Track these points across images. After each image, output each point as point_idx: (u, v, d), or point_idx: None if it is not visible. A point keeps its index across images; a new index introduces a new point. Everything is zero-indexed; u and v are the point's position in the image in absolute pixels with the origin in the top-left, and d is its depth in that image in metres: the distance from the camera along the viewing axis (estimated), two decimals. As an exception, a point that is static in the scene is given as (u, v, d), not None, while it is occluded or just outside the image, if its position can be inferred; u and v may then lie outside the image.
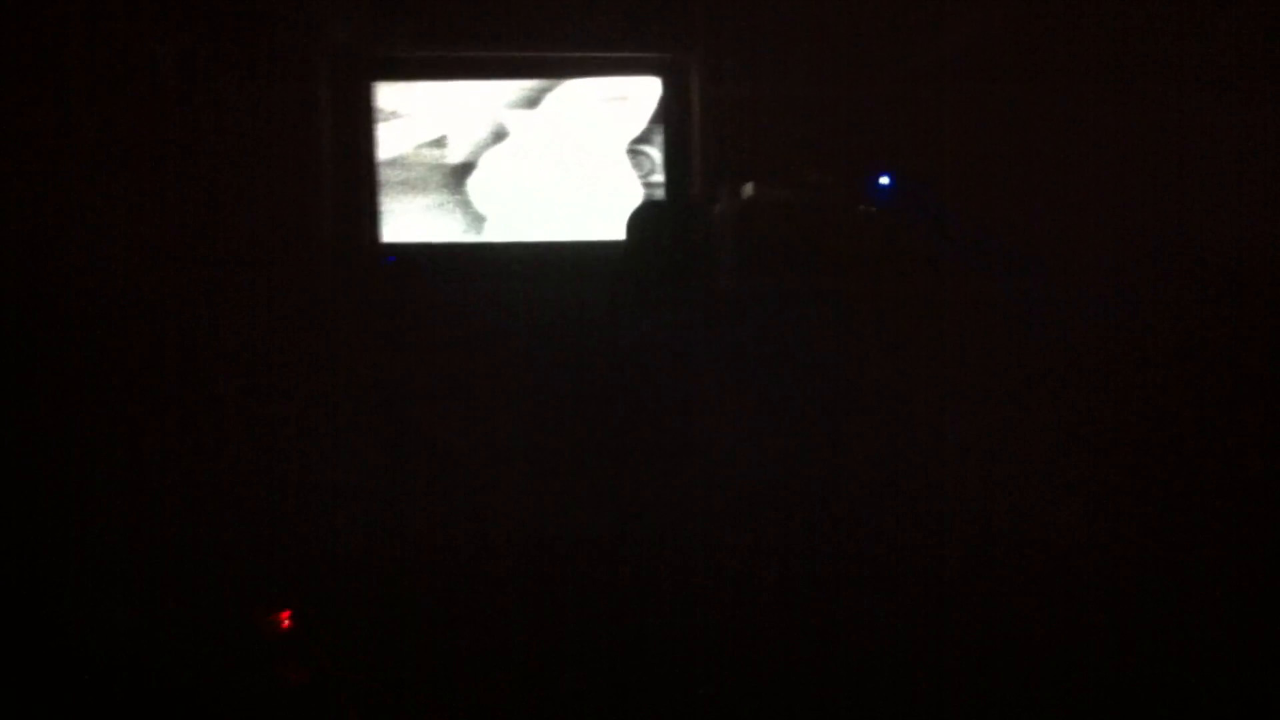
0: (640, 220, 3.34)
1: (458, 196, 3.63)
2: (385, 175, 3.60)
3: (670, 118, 3.65)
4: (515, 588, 3.12)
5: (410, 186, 3.61)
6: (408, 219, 3.62)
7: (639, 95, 3.64)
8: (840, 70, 3.45)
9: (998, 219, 3.28)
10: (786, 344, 3.17)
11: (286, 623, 3.08)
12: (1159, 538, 2.94)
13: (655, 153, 3.65)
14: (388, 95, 3.60)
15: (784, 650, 2.89)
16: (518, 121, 3.61)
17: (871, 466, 3.11)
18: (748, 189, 3.41)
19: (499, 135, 3.61)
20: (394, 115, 3.58)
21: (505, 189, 3.63)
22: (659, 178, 3.66)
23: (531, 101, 3.61)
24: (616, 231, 3.36)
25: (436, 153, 3.61)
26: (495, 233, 3.64)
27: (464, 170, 3.63)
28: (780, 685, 2.84)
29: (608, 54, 3.63)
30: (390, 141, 3.60)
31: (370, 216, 3.62)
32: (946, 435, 3.15)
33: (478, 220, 3.64)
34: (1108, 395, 3.09)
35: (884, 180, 3.42)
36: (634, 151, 3.66)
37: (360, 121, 3.59)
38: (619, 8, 3.59)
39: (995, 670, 2.79)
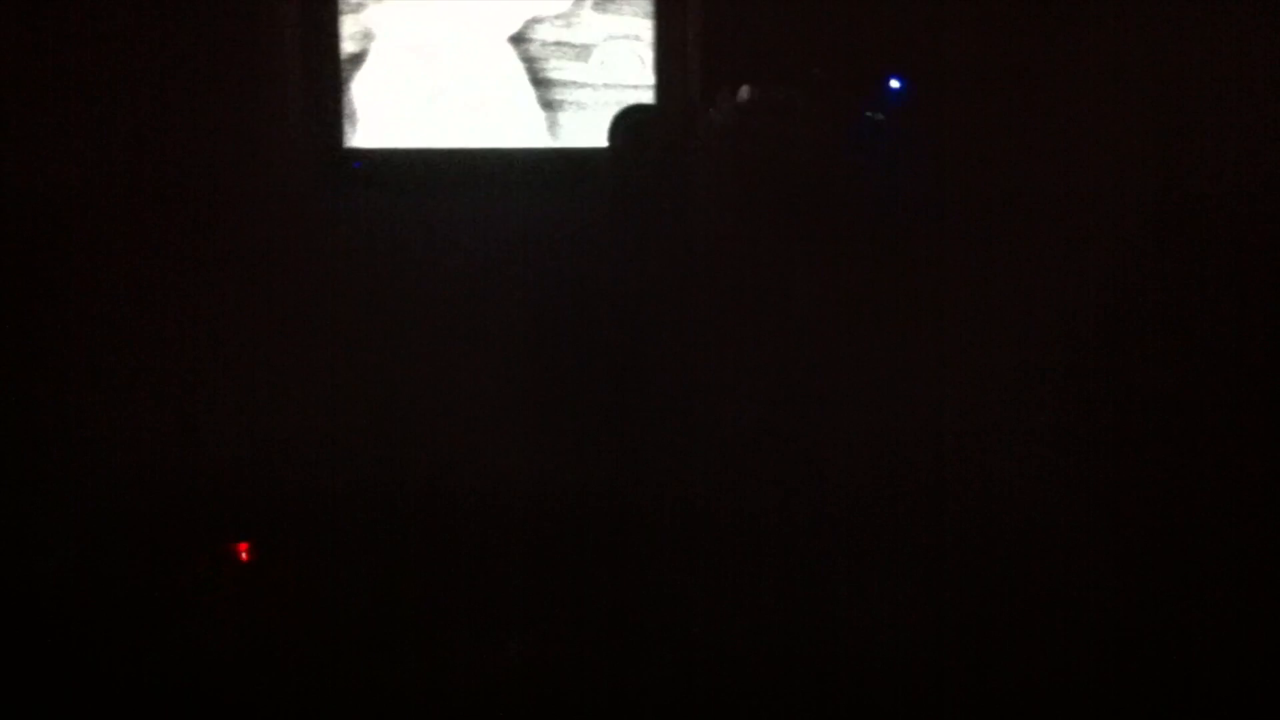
0: (626, 125, 3.09)
1: (431, 101, 3.38)
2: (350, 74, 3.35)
3: (662, 11, 3.36)
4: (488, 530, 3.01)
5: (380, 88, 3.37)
6: (376, 123, 3.38)
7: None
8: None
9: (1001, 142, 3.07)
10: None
11: (244, 555, 2.97)
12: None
13: (646, 51, 3.38)
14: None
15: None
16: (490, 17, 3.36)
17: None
18: (744, 92, 3.14)
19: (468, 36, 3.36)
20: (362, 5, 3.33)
21: (480, 89, 3.38)
22: (649, 78, 3.39)
23: None
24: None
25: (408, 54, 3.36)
26: (469, 139, 3.38)
27: (436, 70, 3.38)
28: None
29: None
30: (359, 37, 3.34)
31: (335, 119, 3.37)
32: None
33: (451, 126, 3.39)
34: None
35: (895, 83, 3.17)
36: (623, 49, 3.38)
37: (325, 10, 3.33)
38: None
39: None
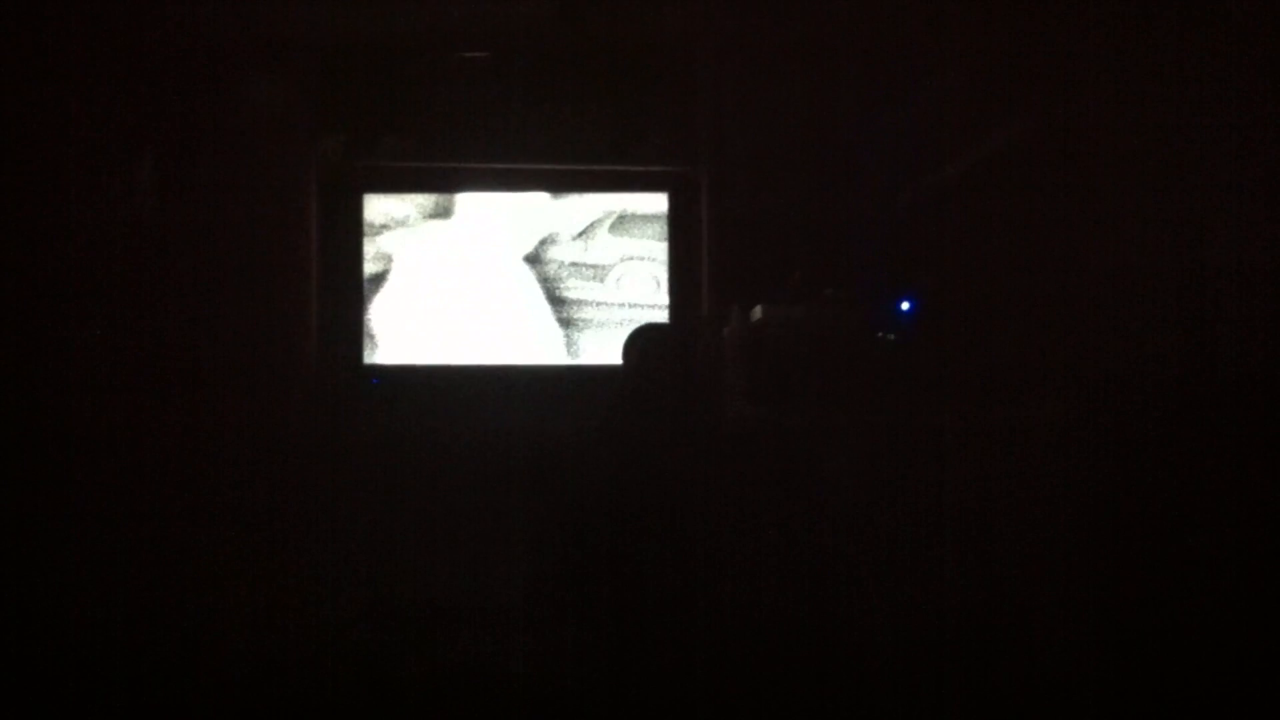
0: (640, 344, 3.13)
1: (448, 319, 3.46)
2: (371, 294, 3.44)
3: (676, 234, 3.46)
4: None
5: (399, 307, 3.44)
6: (394, 341, 3.45)
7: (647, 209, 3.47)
8: (853, 184, 3.28)
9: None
10: (797, 481, 2.99)
11: None
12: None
13: (660, 272, 3.47)
14: (377, 208, 3.44)
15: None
16: (506, 245, 3.46)
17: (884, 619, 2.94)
18: (757, 311, 3.20)
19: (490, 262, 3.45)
20: (384, 229, 3.43)
21: (493, 313, 3.46)
22: (663, 298, 3.46)
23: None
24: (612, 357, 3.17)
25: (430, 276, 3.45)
26: (485, 356, 3.45)
27: (454, 293, 3.47)
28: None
29: (613, 167, 3.47)
30: (380, 259, 3.44)
31: (356, 336, 3.45)
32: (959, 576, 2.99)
33: (468, 344, 3.46)
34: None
35: (905, 305, 3.22)
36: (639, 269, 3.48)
37: (349, 236, 3.45)
38: (623, 121, 3.45)
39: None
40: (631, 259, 3.48)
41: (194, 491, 3.20)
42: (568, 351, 3.45)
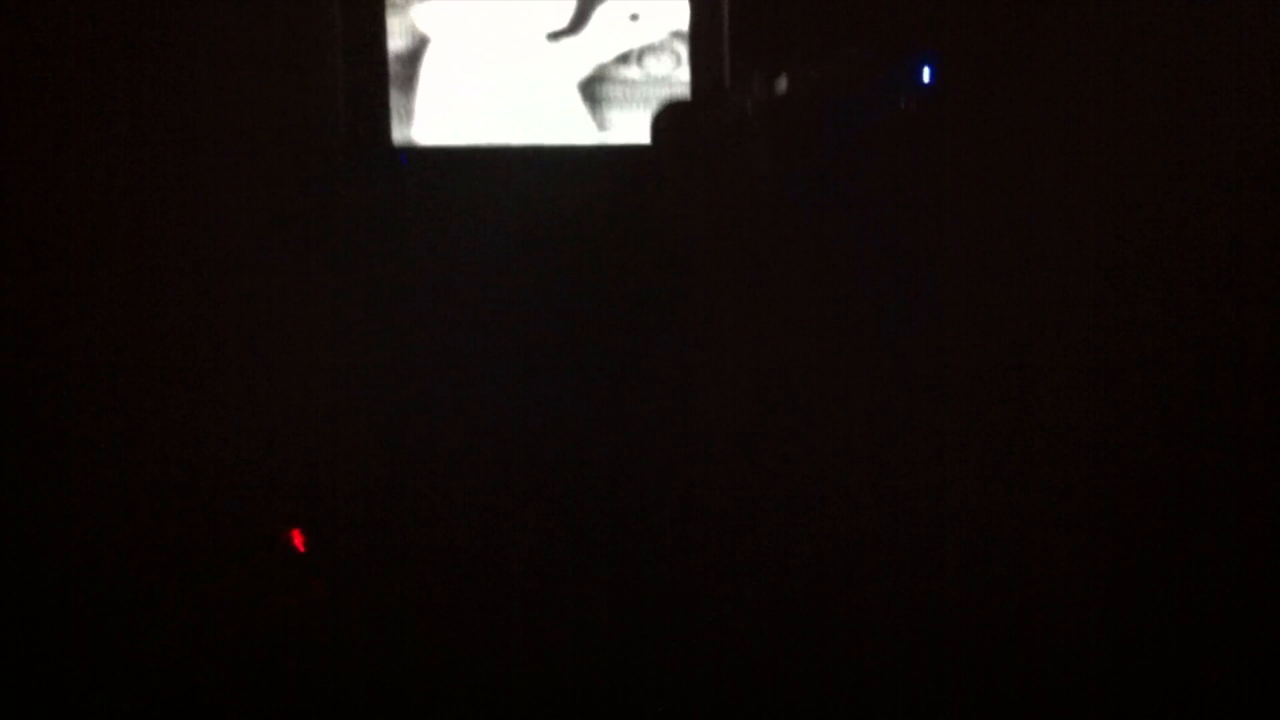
0: (664, 120, 3.17)
1: (477, 98, 3.45)
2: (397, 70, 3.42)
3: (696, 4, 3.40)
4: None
5: (428, 84, 3.45)
6: (423, 119, 3.45)
7: None
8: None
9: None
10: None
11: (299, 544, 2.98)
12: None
13: (682, 47, 3.45)
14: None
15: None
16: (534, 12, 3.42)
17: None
18: (782, 83, 3.20)
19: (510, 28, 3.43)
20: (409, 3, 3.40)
21: (522, 87, 3.45)
22: (684, 73, 3.45)
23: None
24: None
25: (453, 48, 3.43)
26: (514, 135, 3.45)
27: (483, 71, 3.44)
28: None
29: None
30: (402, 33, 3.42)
31: (382, 114, 3.44)
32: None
33: (497, 123, 3.45)
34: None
35: (926, 76, 3.20)
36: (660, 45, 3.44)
37: (373, 10, 3.39)
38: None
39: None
40: (652, 39, 3.46)
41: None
42: (598, 131, 3.46)
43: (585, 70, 3.44)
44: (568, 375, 3.16)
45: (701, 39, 3.43)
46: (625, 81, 3.45)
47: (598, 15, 3.43)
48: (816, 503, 3.00)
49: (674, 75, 3.44)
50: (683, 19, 3.42)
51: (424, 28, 3.44)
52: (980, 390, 3.04)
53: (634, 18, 3.42)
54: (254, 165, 3.27)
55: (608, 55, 3.45)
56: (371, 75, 3.42)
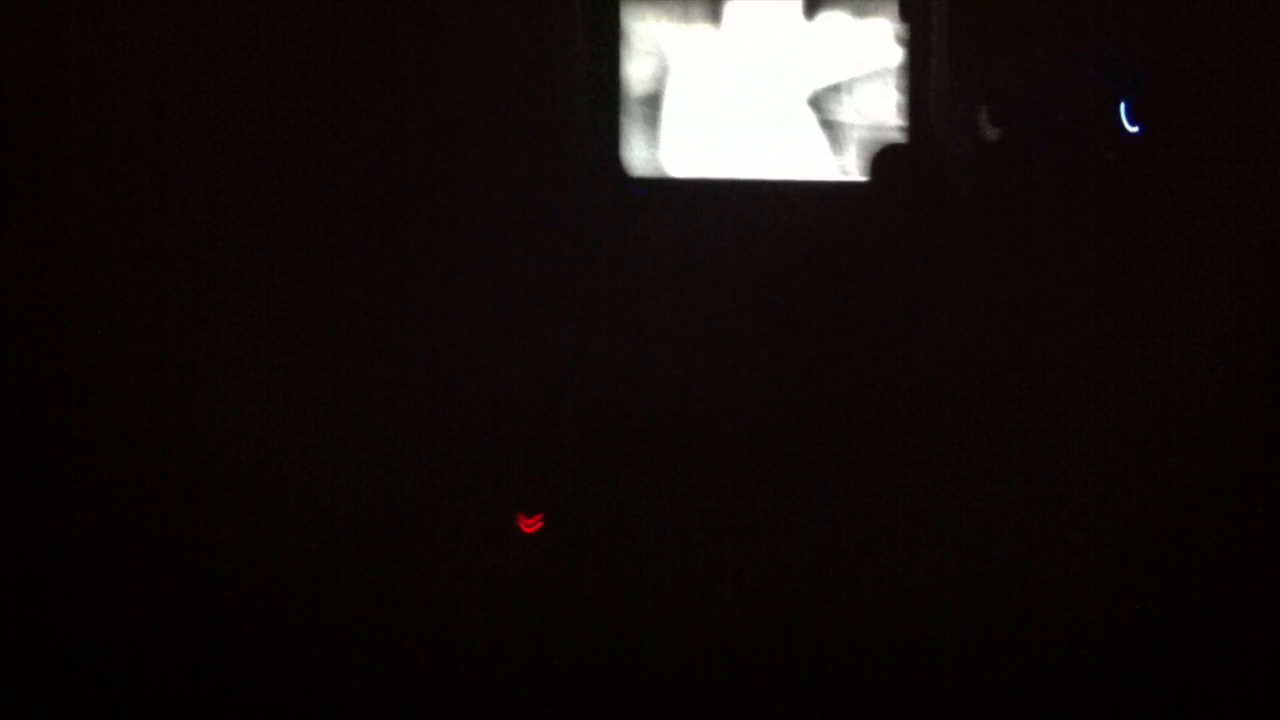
0: (877, 161, 3.30)
1: (713, 131, 3.57)
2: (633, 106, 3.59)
3: (913, 44, 3.51)
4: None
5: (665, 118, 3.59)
6: (659, 151, 3.60)
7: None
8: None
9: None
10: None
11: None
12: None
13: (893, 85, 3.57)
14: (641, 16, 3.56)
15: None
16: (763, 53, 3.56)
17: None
18: (991, 132, 3.34)
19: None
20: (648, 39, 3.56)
21: (758, 126, 3.56)
22: (895, 118, 3.58)
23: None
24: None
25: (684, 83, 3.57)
26: (748, 170, 3.57)
27: (720, 104, 3.56)
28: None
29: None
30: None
31: (616, 146, 3.59)
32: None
33: (733, 157, 3.58)
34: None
35: (1131, 127, 3.28)
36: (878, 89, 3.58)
37: (610, 45, 3.55)
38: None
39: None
40: (870, 74, 3.59)
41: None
42: (825, 166, 3.57)
43: (812, 106, 3.52)
44: (789, 392, 3.22)
45: (914, 79, 3.54)
46: (841, 120, 3.55)
47: (824, 50, 3.54)
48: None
49: (886, 117, 3.54)
50: (895, 58, 3.53)
51: (665, 57, 3.55)
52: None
53: (854, 52, 3.51)
54: (491, 185, 3.45)
55: (829, 92, 3.54)
56: (608, 104, 3.58)
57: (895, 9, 3.47)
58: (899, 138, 3.53)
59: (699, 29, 3.54)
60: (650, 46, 3.56)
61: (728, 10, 3.53)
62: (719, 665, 2.80)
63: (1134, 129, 3.29)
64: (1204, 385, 3.01)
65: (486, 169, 3.47)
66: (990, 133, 3.36)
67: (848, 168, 3.53)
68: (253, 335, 3.19)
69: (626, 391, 3.33)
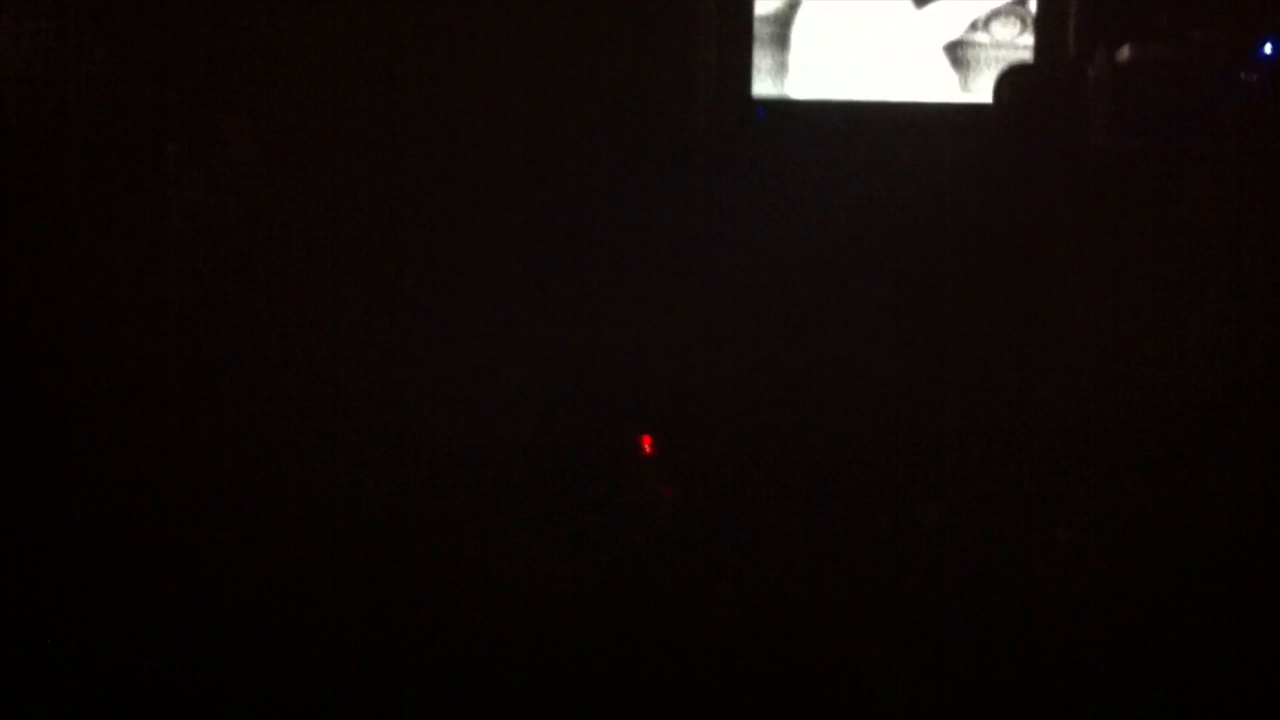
0: (1008, 83, 3.27)
1: (837, 54, 3.58)
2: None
3: None
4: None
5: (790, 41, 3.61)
6: (782, 73, 3.62)
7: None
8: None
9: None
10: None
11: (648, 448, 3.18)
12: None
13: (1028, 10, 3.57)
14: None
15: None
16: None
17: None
18: (1124, 51, 3.31)
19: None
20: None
21: (881, 49, 3.59)
22: (1028, 38, 3.57)
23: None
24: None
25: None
26: (865, 91, 3.59)
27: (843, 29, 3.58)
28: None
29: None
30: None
31: (744, 68, 3.60)
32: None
33: (856, 80, 3.59)
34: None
35: (1268, 49, 3.24)
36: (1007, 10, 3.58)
37: None
38: None
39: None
40: (1000, 4, 3.60)
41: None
42: (948, 90, 3.61)
43: (946, 33, 3.56)
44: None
45: (1049, 6, 3.56)
46: (975, 45, 3.58)
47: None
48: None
49: (1019, 40, 3.56)
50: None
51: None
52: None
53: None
54: (616, 110, 3.50)
55: (963, 19, 3.58)
56: (738, 29, 3.60)
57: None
58: (1028, 61, 3.53)
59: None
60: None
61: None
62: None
63: (1273, 51, 3.26)
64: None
65: (609, 88, 3.51)
66: (1125, 59, 3.31)
67: (977, 91, 3.55)
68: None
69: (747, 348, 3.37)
